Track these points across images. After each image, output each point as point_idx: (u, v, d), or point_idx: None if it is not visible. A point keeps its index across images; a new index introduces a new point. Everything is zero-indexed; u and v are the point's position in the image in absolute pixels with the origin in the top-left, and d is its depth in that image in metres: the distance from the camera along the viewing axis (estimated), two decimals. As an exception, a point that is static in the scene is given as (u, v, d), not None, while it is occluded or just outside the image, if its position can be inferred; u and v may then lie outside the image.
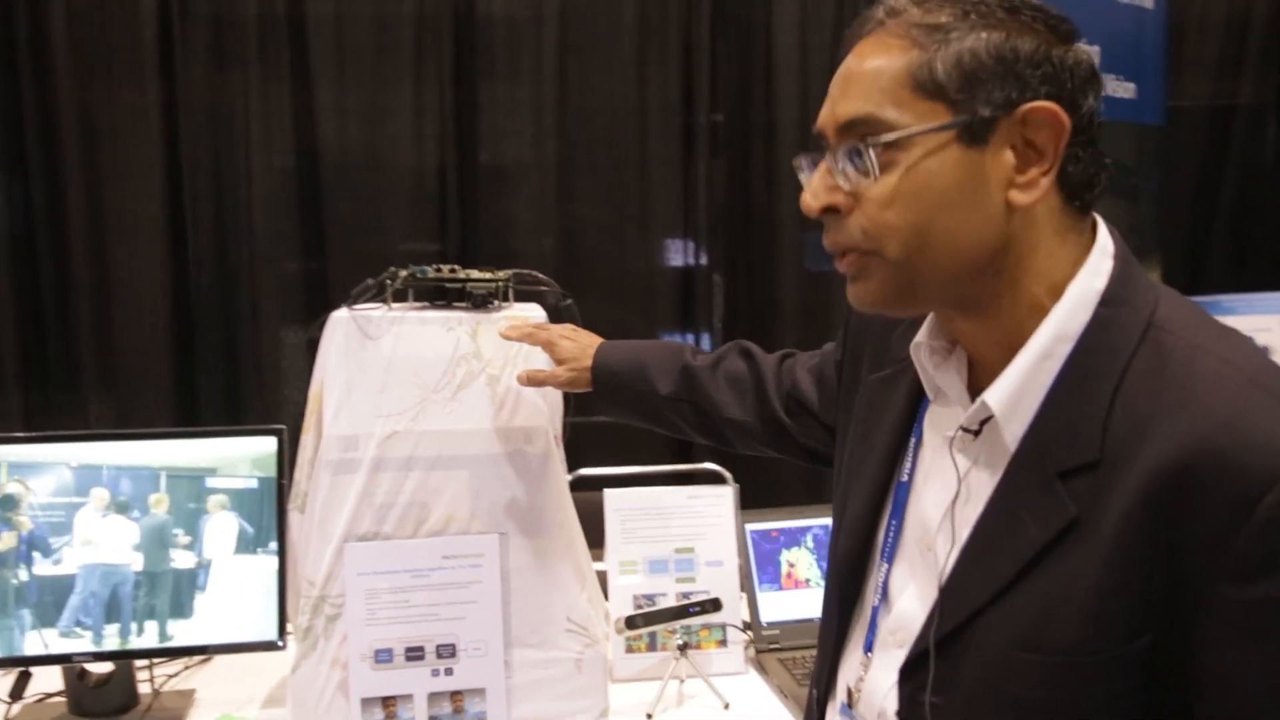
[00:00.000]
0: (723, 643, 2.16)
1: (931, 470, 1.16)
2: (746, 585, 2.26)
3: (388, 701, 1.82)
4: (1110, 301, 1.02)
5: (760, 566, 2.27)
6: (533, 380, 1.83)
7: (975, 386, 1.09)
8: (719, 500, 2.23)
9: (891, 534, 1.20)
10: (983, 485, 1.07)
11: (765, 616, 2.24)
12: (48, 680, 2.00)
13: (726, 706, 2.01)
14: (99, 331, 3.80)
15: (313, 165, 3.91)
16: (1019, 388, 1.03)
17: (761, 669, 2.16)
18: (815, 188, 1.07)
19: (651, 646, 2.14)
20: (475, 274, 1.89)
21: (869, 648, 1.20)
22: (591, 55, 4.02)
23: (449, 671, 1.84)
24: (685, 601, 2.11)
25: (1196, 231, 4.50)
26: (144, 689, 2.03)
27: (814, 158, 1.10)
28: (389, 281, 1.85)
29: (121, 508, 1.92)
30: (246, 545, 1.96)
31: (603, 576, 2.09)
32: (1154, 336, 1.00)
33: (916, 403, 1.22)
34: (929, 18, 1.01)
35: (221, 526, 1.95)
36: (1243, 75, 4.40)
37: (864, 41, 1.05)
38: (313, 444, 1.87)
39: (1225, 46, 4.39)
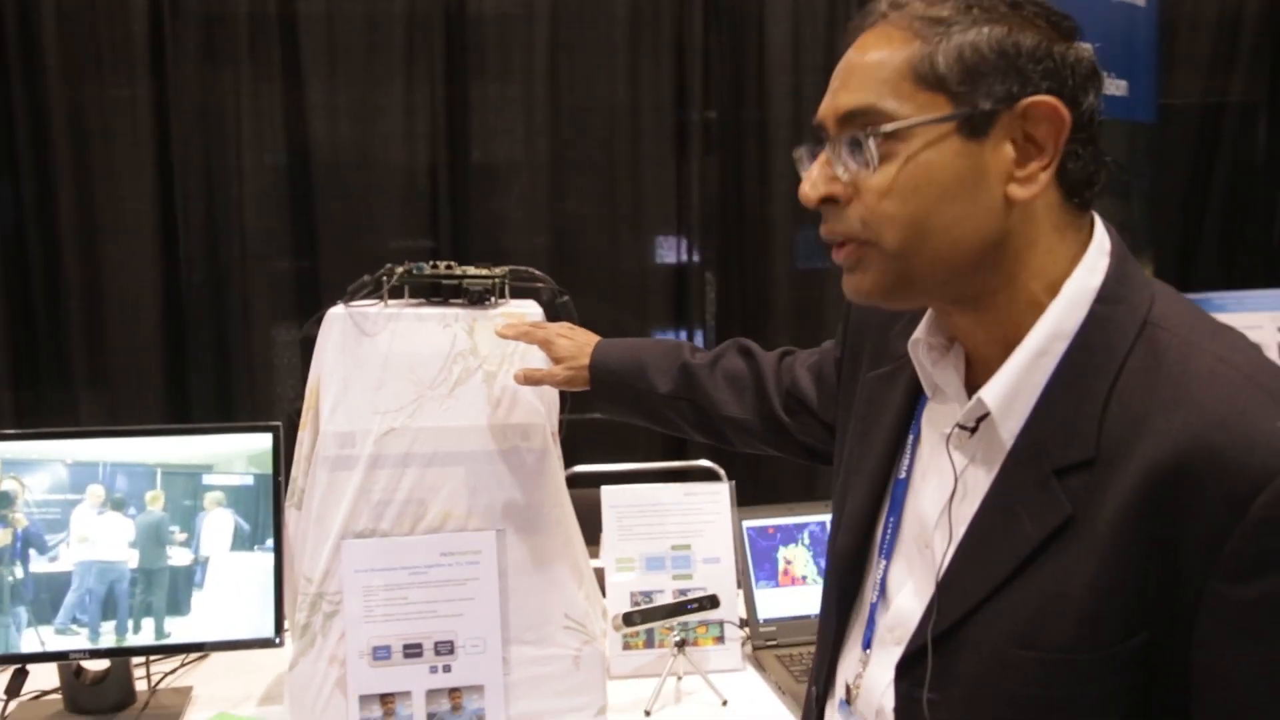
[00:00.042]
0: (720, 639, 2.16)
1: (929, 467, 1.16)
2: (743, 582, 2.26)
3: (386, 698, 1.81)
4: (1106, 299, 1.02)
5: (757, 563, 2.27)
6: (530, 379, 1.83)
7: (973, 383, 1.09)
8: (716, 497, 2.23)
9: (889, 531, 1.20)
10: (979, 482, 1.07)
11: (762, 613, 2.24)
12: (44, 678, 2.00)
13: (724, 703, 2.01)
14: (90, 329, 3.79)
15: (304, 163, 3.90)
16: (1015, 385, 1.03)
17: (759, 666, 2.16)
18: (814, 178, 1.07)
19: (649, 643, 2.14)
20: (472, 271, 1.88)
21: (867, 644, 1.20)
22: (583, 53, 4.03)
23: (447, 668, 1.84)
24: (683, 598, 2.11)
25: (1188, 229, 4.52)
26: (140, 686, 2.02)
27: (814, 149, 1.10)
28: (385, 278, 1.85)
29: (118, 504, 1.91)
30: (243, 542, 1.96)
31: (599, 573, 2.08)
32: (1150, 334, 1.00)
33: (915, 400, 1.22)
34: (932, 11, 1.01)
35: (218, 523, 1.95)
36: (1234, 73, 4.42)
37: (866, 34, 1.05)
38: (309, 440, 1.86)
39: (1216, 44, 4.41)
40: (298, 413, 1.91)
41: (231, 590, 1.95)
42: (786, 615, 2.25)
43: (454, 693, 1.84)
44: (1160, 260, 4.21)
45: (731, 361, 1.73)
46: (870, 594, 1.21)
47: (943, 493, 1.11)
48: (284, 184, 3.91)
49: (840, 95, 1.05)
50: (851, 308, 1.41)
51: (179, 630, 1.94)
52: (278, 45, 3.84)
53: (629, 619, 2.03)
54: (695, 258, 4.17)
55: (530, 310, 1.91)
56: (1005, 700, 1.01)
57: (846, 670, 1.23)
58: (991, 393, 1.04)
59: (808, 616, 2.23)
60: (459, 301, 1.88)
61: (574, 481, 1.97)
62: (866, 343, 1.34)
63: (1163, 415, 0.94)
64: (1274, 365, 0.97)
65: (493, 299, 1.90)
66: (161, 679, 2.07)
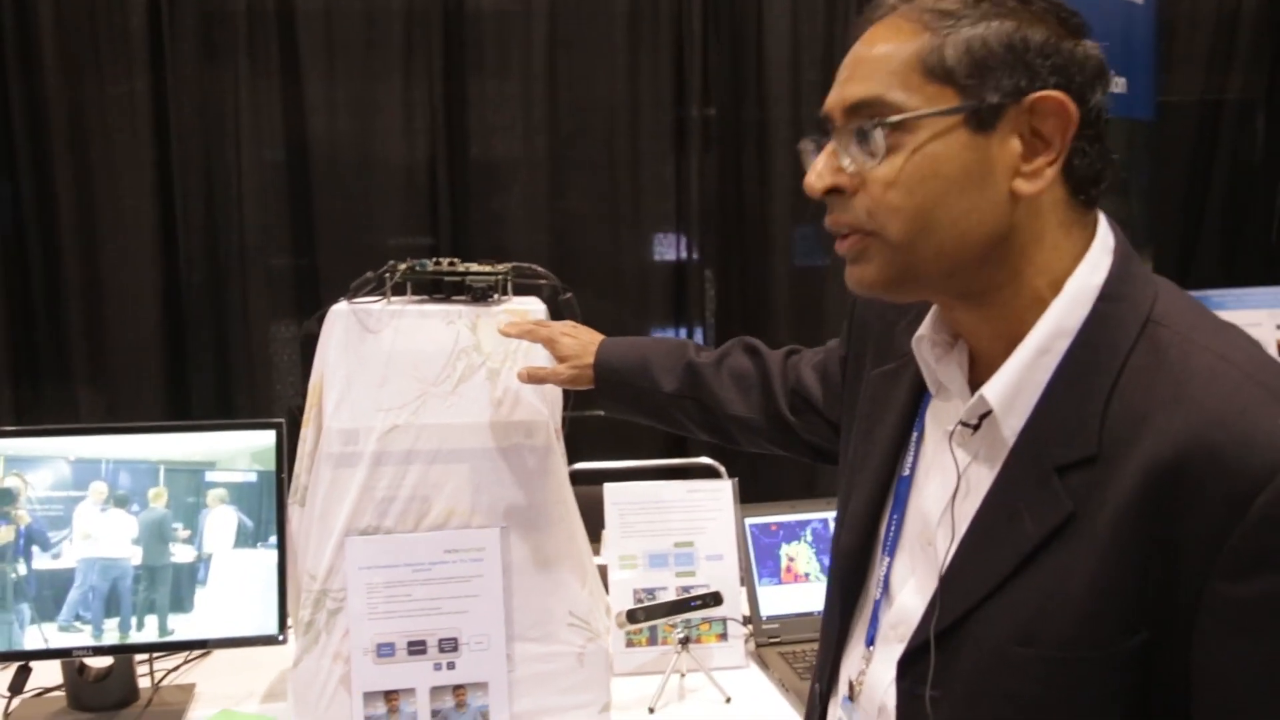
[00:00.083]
0: (723, 637, 2.15)
1: (932, 465, 1.16)
2: (746, 579, 2.26)
3: (390, 695, 1.81)
4: (1109, 297, 1.02)
5: (760, 560, 2.27)
6: (533, 377, 1.82)
7: (976, 380, 1.09)
8: (718, 494, 2.23)
9: (893, 528, 1.20)
10: (982, 480, 1.07)
11: (765, 610, 2.24)
12: (47, 675, 1.99)
13: (728, 700, 2.01)
14: (90, 327, 3.80)
15: (303, 160, 3.91)
16: (1017, 382, 1.03)
17: (762, 663, 2.16)
18: (820, 169, 1.07)
19: (651, 640, 2.14)
20: (475, 267, 1.88)
21: (870, 641, 1.20)
22: (582, 49, 4.03)
23: (451, 665, 1.84)
24: (686, 595, 2.11)
25: (1186, 226, 4.53)
26: (144, 683, 2.02)
27: (819, 141, 1.10)
28: (389, 275, 1.84)
29: (120, 501, 1.91)
30: (246, 539, 1.95)
31: (601, 570, 2.08)
32: (1152, 332, 0.99)
33: (919, 397, 1.22)
34: (941, 4, 1.01)
35: (221, 520, 1.95)
36: (1232, 70, 4.43)
37: (875, 26, 1.06)
38: (312, 437, 1.86)
39: (1215, 42, 4.42)
40: (298, 409, 1.91)
41: (234, 587, 1.95)
42: (789, 612, 2.25)
43: (458, 690, 1.84)
44: (1159, 257, 4.21)
45: (737, 360, 1.72)
46: (874, 591, 1.21)
47: (945, 490, 1.11)
48: (283, 181, 3.92)
49: (848, 86, 1.05)
50: (856, 306, 1.40)
51: (182, 627, 1.93)
52: (276, 41, 3.85)
53: (633, 616, 2.02)
54: (694, 255, 4.17)
55: (533, 307, 1.91)
56: (1006, 697, 1.00)
57: (850, 667, 1.23)
58: (993, 390, 1.04)
59: (810, 613, 2.23)
60: (462, 298, 1.88)
61: (574, 479, 1.96)
62: (871, 340, 1.34)
63: (1163, 413, 0.94)
64: (1275, 363, 0.97)
65: (496, 296, 1.90)
66: (164, 676, 2.07)
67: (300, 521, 1.87)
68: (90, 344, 3.80)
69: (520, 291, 1.95)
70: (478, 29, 3.95)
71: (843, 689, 1.24)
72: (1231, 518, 0.88)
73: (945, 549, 1.08)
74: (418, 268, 1.85)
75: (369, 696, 1.81)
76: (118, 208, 3.77)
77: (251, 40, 3.82)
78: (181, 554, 1.93)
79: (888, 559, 1.19)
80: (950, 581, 1.06)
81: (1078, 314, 1.02)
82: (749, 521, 2.29)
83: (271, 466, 1.96)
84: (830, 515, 2.30)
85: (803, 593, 2.27)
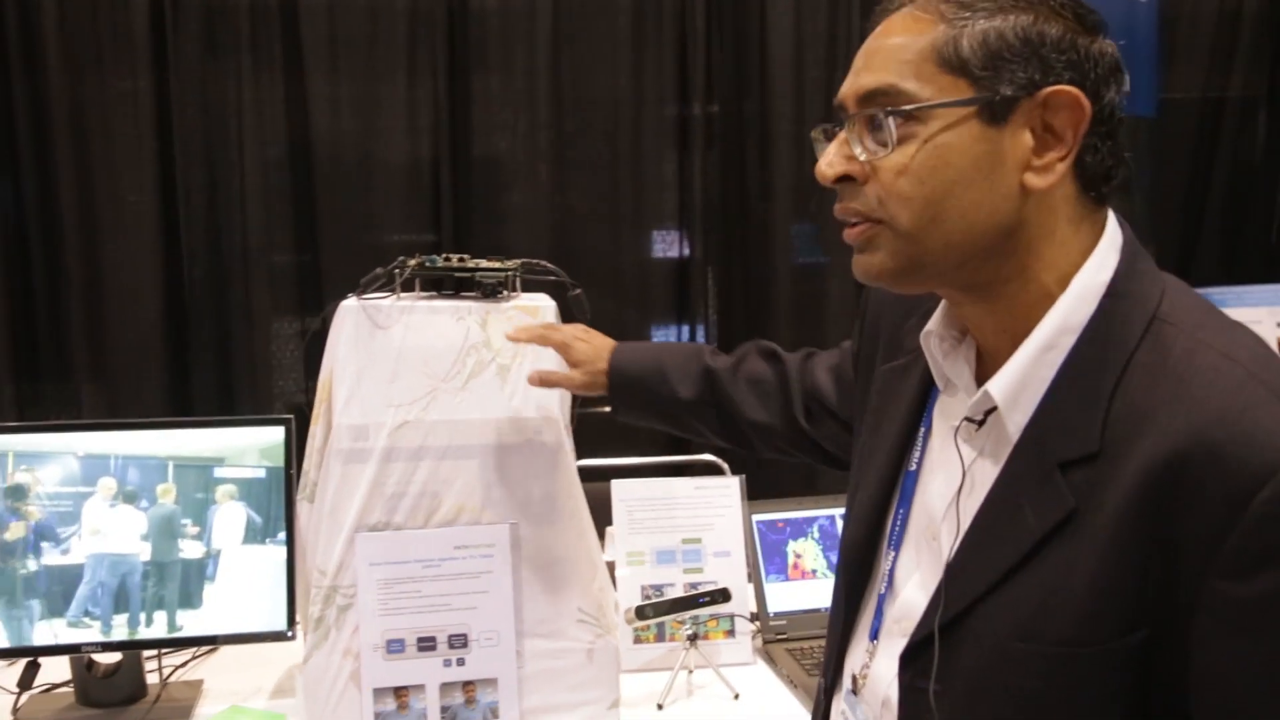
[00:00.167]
0: (730, 633, 2.16)
1: (938, 460, 1.17)
2: (753, 576, 2.26)
3: (400, 691, 1.81)
4: (1115, 294, 1.02)
5: (767, 557, 2.27)
6: (546, 381, 1.80)
7: (984, 376, 1.09)
8: (726, 491, 2.24)
9: (898, 523, 1.20)
10: (987, 475, 1.07)
11: (772, 607, 2.24)
12: (56, 670, 2.00)
13: (736, 697, 2.02)
14: (91, 324, 3.79)
15: (305, 157, 3.90)
16: (1022, 378, 1.03)
17: (769, 659, 2.17)
18: (831, 156, 1.07)
19: (659, 637, 2.14)
20: (484, 263, 1.88)
21: (874, 635, 1.20)
22: (585, 47, 4.03)
23: (461, 662, 1.84)
24: (694, 592, 2.11)
25: (1187, 224, 4.53)
26: (152, 679, 2.02)
27: (831, 130, 1.10)
28: (398, 271, 1.84)
29: (129, 497, 1.91)
30: (255, 535, 1.95)
31: (608, 567, 2.08)
32: (1157, 329, 1.00)
33: (926, 393, 1.22)
34: None
35: (230, 516, 1.95)
36: (1234, 68, 4.43)
37: (892, 17, 1.06)
38: (322, 434, 1.86)
39: (1216, 39, 4.41)
40: (307, 406, 1.91)
41: (243, 583, 1.95)
42: (796, 609, 2.25)
43: (467, 686, 1.84)
44: (1159, 255, 4.20)
45: (754, 365, 1.72)
46: (879, 585, 1.21)
47: (951, 485, 1.11)
48: (285, 178, 3.90)
49: (862, 75, 1.05)
50: (868, 303, 1.41)
51: (191, 623, 1.94)
52: (279, 38, 3.84)
53: (642, 612, 2.03)
54: (697, 252, 4.17)
55: (543, 303, 1.91)
56: (1006, 693, 1.00)
57: (854, 661, 1.24)
58: (998, 386, 1.04)
59: (818, 610, 2.23)
60: (471, 294, 1.88)
61: (580, 475, 1.96)
62: (882, 337, 1.34)
63: (1166, 411, 0.94)
64: None
65: (505, 292, 1.89)
66: (173, 672, 2.06)
67: (309, 517, 1.87)
68: (92, 341, 3.79)
69: (529, 287, 1.94)
70: (481, 26, 3.95)
71: (846, 683, 1.24)
72: (1231, 516, 0.88)
73: (950, 544, 1.08)
74: (427, 263, 1.85)
75: (379, 692, 1.80)
76: (120, 205, 3.76)
77: (254, 37, 3.81)
78: (190, 550, 1.94)
79: (893, 553, 1.19)
80: (954, 575, 1.06)
81: (1084, 310, 1.02)
82: (756, 518, 2.29)
83: (280, 462, 1.96)
84: (837, 512, 2.30)
85: (810, 589, 2.27)
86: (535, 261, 1.94)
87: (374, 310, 1.83)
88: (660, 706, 1.98)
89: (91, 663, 1.96)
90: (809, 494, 2.43)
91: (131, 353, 3.80)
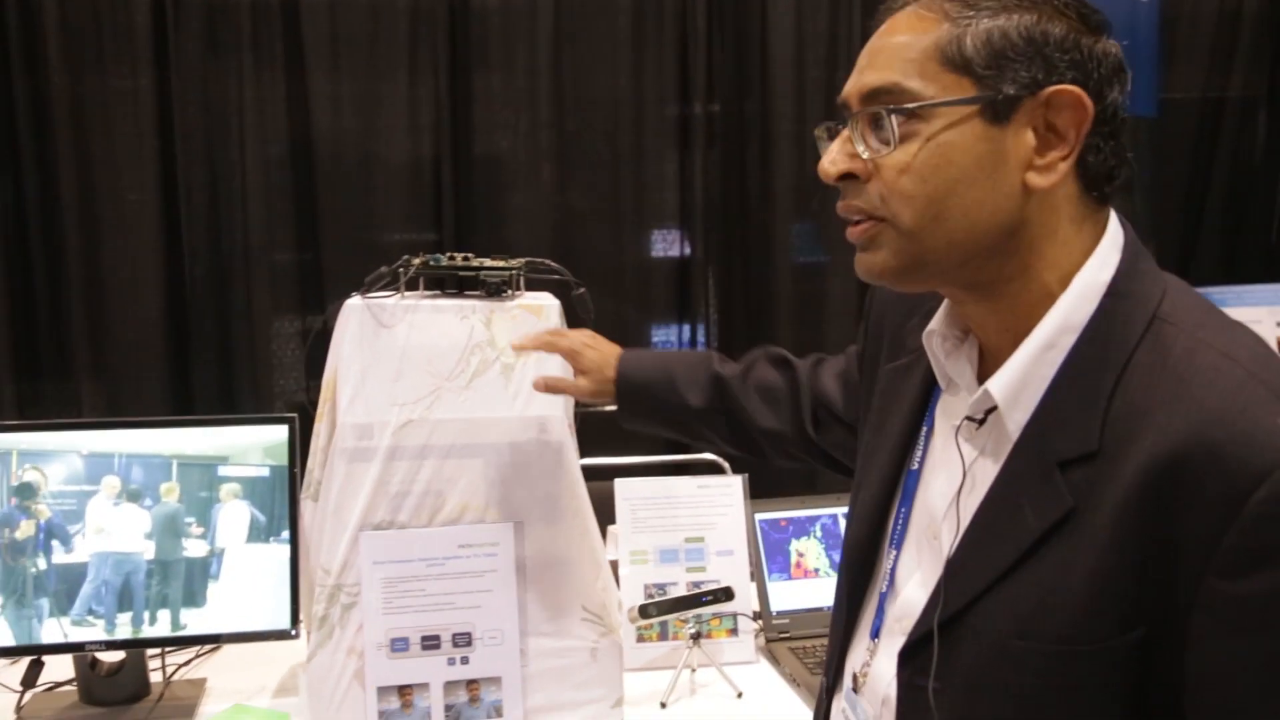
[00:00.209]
0: (733, 632, 2.16)
1: (940, 459, 1.17)
2: (756, 575, 2.26)
3: (404, 690, 1.81)
4: (1116, 293, 1.02)
5: (769, 556, 2.28)
6: (552, 388, 1.79)
7: (985, 375, 1.09)
8: (729, 490, 2.24)
9: (900, 522, 1.20)
10: (987, 474, 1.07)
11: (775, 606, 2.25)
12: (59, 669, 2.00)
13: (739, 695, 2.02)
14: (92, 322, 3.78)
15: (306, 155, 3.90)
16: (1022, 377, 1.04)
17: (772, 658, 2.17)
18: (834, 154, 1.07)
19: (663, 636, 2.14)
20: (488, 262, 1.88)
21: (875, 634, 1.20)
22: (586, 45, 4.02)
23: (465, 660, 1.84)
24: (696, 591, 2.11)
25: (1187, 223, 4.52)
26: (155, 678, 2.02)
27: (833, 128, 1.10)
28: (403, 270, 1.84)
29: (133, 496, 1.91)
30: (258, 534, 1.96)
31: (611, 566, 2.08)
32: (1158, 328, 1.00)
33: (929, 392, 1.22)
34: None
35: (233, 515, 1.95)
36: (1234, 68, 4.42)
37: (896, 16, 1.06)
38: (326, 432, 1.86)
39: (1217, 39, 4.41)
40: (305, 404, 1.91)
41: (247, 582, 1.95)
42: (799, 607, 2.26)
43: (471, 684, 1.84)
44: (1160, 254, 4.19)
45: (765, 372, 1.71)
46: (880, 584, 1.21)
47: (952, 484, 1.11)
48: (287, 176, 3.90)
49: (866, 73, 1.05)
50: (872, 304, 1.41)
51: (194, 622, 1.94)
52: (280, 36, 3.83)
53: (645, 611, 2.03)
54: (697, 251, 4.17)
55: (547, 302, 1.91)
56: (1005, 691, 1.01)
57: (855, 660, 1.24)
58: (998, 385, 1.04)
59: (820, 609, 2.23)
60: (476, 293, 1.88)
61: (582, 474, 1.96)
62: (885, 337, 1.34)
63: (1165, 410, 0.94)
64: None
65: (509, 291, 1.89)
66: (176, 671, 2.07)
67: (313, 516, 1.87)
68: (93, 339, 3.79)
69: (533, 286, 1.94)
70: (482, 25, 3.94)
71: (847, 682, 1.24)
72: (1229, 515, 0.88)
73: (950, 543, 1.08)
74: (432, 262, 1.85)
75: (383, 691, 1.81)
76: (121, 203, 3.75)
77: (256, 36, 3.81)
78: (194, 549, 1.94)
79: (894, 552, 1.20)
80: (953, 573, 1.06)
81: (1085, 310, 1.02)
82: (759, 517, 2.30)
83: (284, 461, 1.96)
84: (839, 511, 2.31)
85: (812, 588, 2.27)
86: (539, 260, 1.94)
87: (378, 309, 1.83)
88: (663, 705, 1.98)
89: (95, 661, 1.96)
90: (811, 493, 2.43)
91: (132, 351, 3.80)
